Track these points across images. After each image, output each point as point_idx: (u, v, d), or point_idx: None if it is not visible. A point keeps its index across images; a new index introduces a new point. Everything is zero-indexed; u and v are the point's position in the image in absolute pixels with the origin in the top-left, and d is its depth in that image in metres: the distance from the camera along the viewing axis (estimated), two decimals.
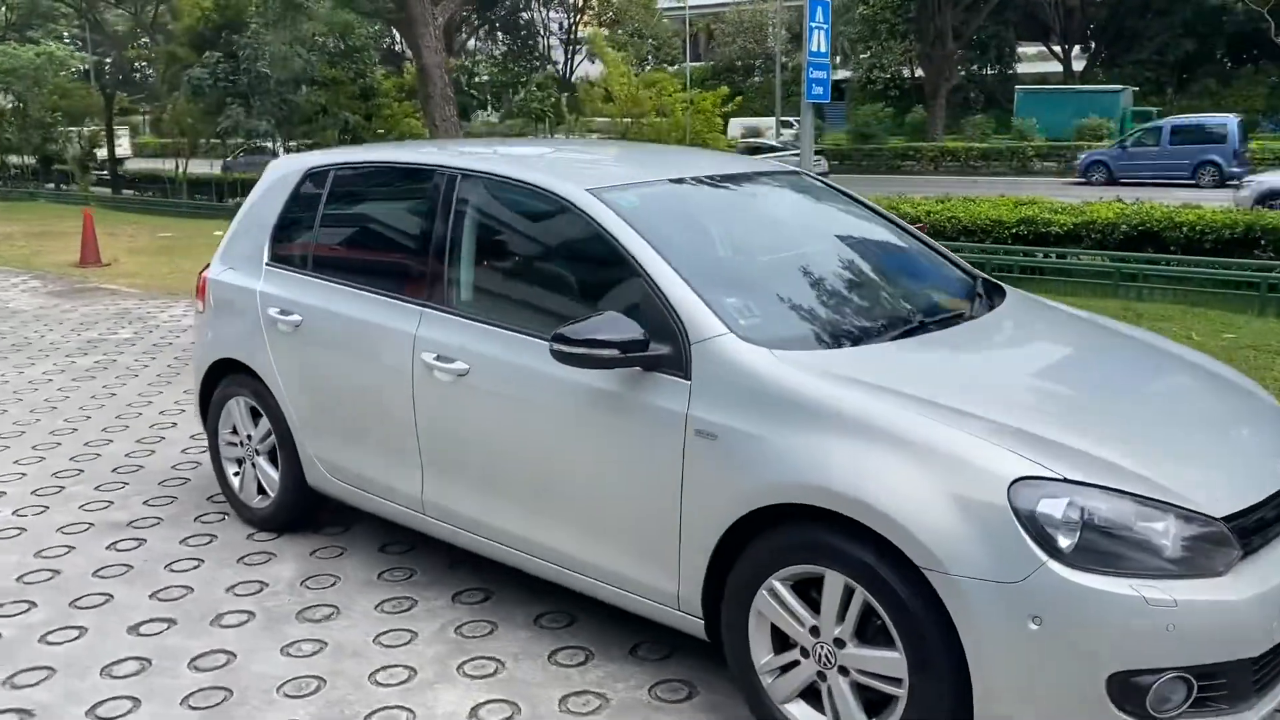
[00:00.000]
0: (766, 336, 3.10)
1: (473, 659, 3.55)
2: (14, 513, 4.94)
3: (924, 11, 39.23)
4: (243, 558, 4.40)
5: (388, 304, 3.94)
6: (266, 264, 4.52)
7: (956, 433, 2.70)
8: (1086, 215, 15.86)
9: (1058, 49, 48.93)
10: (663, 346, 3.12)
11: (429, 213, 3.88)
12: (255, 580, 4.17)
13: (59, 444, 5.95)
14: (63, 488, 5.26)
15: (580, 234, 3.54)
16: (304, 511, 4.58)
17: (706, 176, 3.98)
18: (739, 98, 23.05)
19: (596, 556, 3.36)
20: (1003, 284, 4.01)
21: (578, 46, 58.90)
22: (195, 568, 4.31)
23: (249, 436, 4.63)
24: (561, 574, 3.50)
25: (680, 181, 3.87)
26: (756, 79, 51.45)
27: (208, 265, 4.91)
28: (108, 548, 4.53)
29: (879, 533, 2.67)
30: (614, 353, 3.09)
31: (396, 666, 3.51)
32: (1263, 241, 11.75)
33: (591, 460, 3.32)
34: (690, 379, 3.07)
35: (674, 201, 3.76)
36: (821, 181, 4.36)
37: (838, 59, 56.79)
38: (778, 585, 2.91)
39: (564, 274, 3.71)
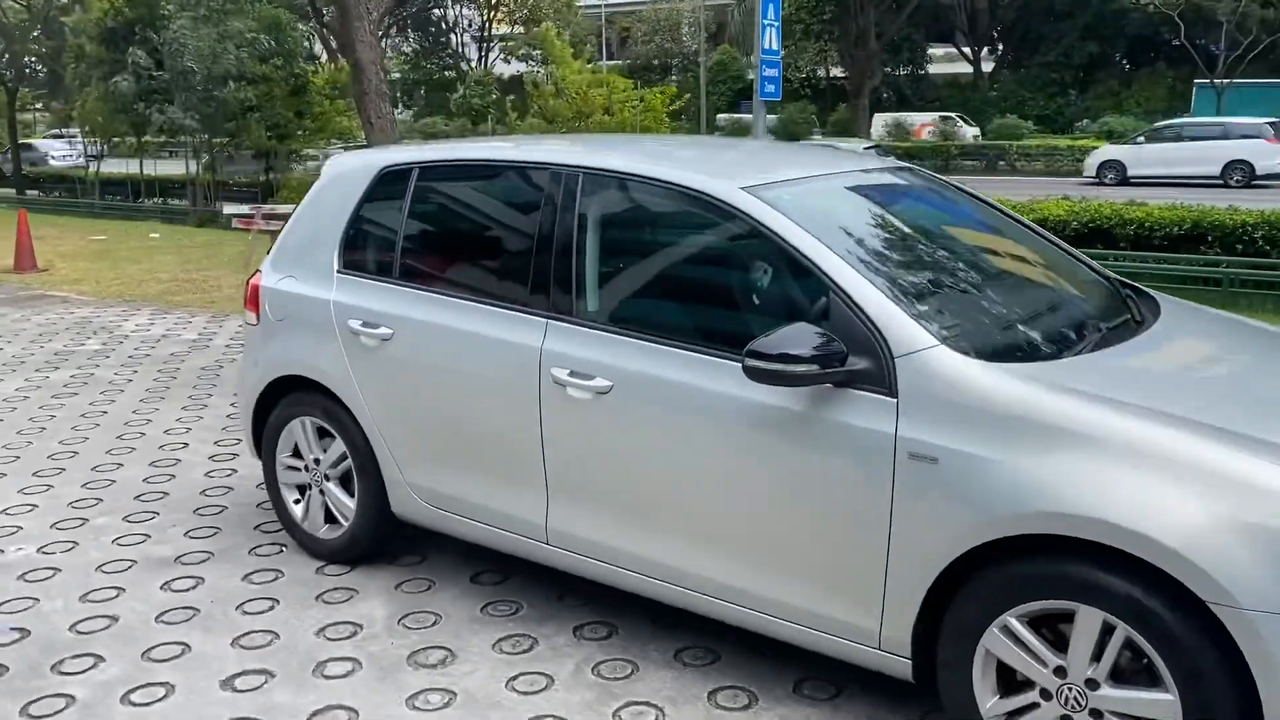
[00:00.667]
0: (976, 347, 2.87)
1: (627, 705, 3.24)
2: (39, 550, 4.44)
3: (846, 12, 39.63)
4: (321, 595, 4.00)
5: (504, 315, 3.59)
6: (338, 272, 4.12)
7: (1233, 452, 2.49)
8: (1039, 212, 16.10)
9: (967, 50, 49.98)
10: (860, 360, 2.86)
11: (549, 215, 3.54)
12: (346, 621, 3.79)
13: (63, 469, 5.42)
14: (85, 519, 4.76)
15: (737, 237, 3.27)
16: (382, 541, 4.20)
17: (843, 174, 3.73)
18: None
19: (776, 591, 3.07)
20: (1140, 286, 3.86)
21: (491, 44, 58.26)
22: (271, 609, 3.90)
23: (316, 461, 4.23)
24: (727, 609, 3.21)
25: (822, 178, 3.60)
26: (674, 77, 51.46)
27: (257, 272, 4.49)
28: (163, 588, 4.08)
29: (1152, 564, 2.45)
30: (812, 368, 2.81)
31: (548, 718, 3.18)
32: (1209, 238, 12.04)
33: (769, 485, 3.03)
34: (896, 396, 2.81)
35: (825, 200, 3.49)
36: (941, 180, 4.14)
37: (750, 58, 57.33)
38: (1014, 622, 2.67)
39: (720, 281, 3.43)
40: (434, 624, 3.76)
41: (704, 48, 47.71)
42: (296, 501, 4.37)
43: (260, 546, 4.45)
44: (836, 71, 50.24)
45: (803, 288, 3.10)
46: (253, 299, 4.41)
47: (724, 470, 3.12)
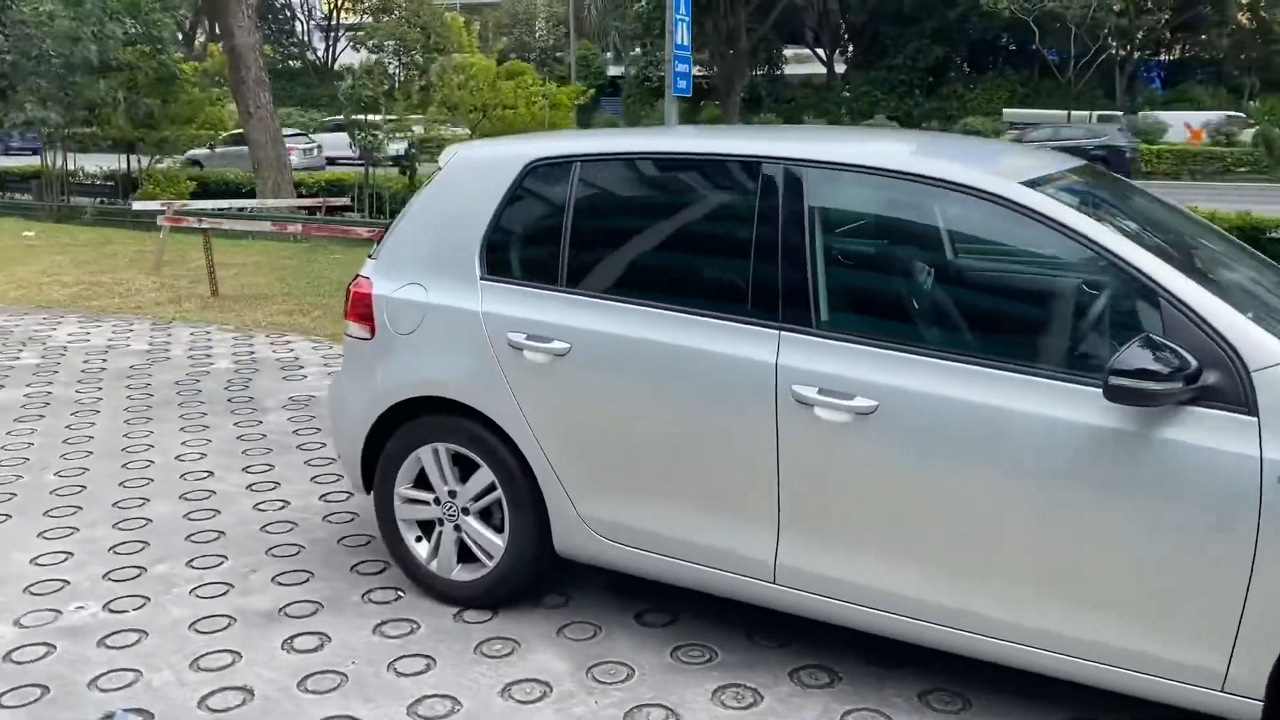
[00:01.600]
0: None
1: None
2: (107, 609, 3.77)
3: (715, 12, 39.86)
4: (479, 648, 3.49)
5: (720, 326, 3.19)
6: (482, 279, 3.62)
7: None
8: None
9: (821, 52, 51.14)
10: (1210, 375, 2.61)
11: (771, 214, 3.16)
12: (529, 679, 3.30)
13: (78, 508, 4.67)
14: (142, 568, 4.08)
15: (1019, 239, 2.97)
16: (533, 583, 3.72)
17: (1068, 170, 3.46)
18: None
19: (1088, 630, 2.79)
20: None
21: (339, 34, 56.28)
22: (430, 668, 3.38)
23: (452, 493, 3.71)
24: (1014, 651, 2.90)
25: (1064, 175, 3.33)
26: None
27: (359, 278, 3.92)
28: (285, 649, 3.50)
29: None
30: (1175, 386, 2.55)
31: None
32: None
33: (1088, 514, 2.74)
34: (1256, 414, 2.57)
35: (1085, 197, 3.22)
36: (1125, 180, 3.94)
37: (609, 55, 57.17)
38: None
39: (1006, 288, 3.12)
40: (630, 677, 3.32)
41: (558, 41, 47.31)
42: (419, 540, 3.84)
43: (373, 592, 3.89)
44: (695, 70, 50.68)
45: (1115, 295, 2.83)
46: (360, 310, 3.85)
47: (1026, 498, 2.81)
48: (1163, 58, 49.46)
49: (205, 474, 5.10)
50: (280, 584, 3.95)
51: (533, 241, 3.68)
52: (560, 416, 3.44)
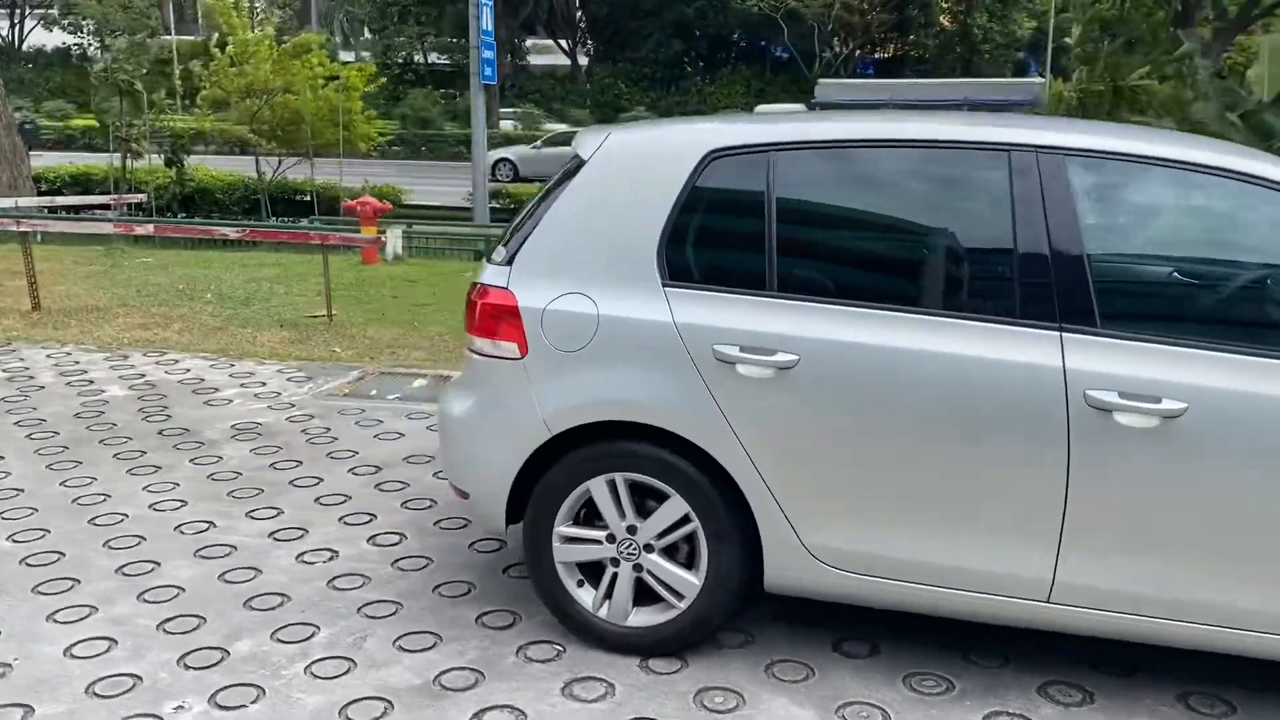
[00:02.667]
0: None
1: None
2: (215, 704, 3.03)
3: None
4: (699, 701, 3.08)
5: (988, 330, 2.94)
6: (666, 285, 3.18)
7: None
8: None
9: (564, 44, 51.25)
10: None
11: (1037, 207, 2.95)
12: None
13: (76, 580, 3.79)
14: (223, 650, 3.33)
15: None
16: (721, 624, 3.33)
17: None
18: None
19: None
20: None
21: (28, 10, 50.79)
22: None
23: (631, 529, 3.26)
24: None
25: None
26: None
27: (483, 288, 3.37)
28: None
29: None
30: None
31: None
32: None
33: None
34: None
35: None
36: None
37: (337, 39, 54.60)
38: None
39: None
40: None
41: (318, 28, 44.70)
42: (580, 585, 3.36)
43: (526, 649, 3.36)
44: (436, 57, 49.46)
45: None
46: (501, 325, 3.30)
47: None
48: (877, 55, 53.02)
49: (204, 524, 4.29)
50: (407, 650, 3.35)
51: (726, 242, 3.29)
52: (786, 436, 3.08)
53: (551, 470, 3.29)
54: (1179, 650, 3.02)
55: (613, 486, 3.25)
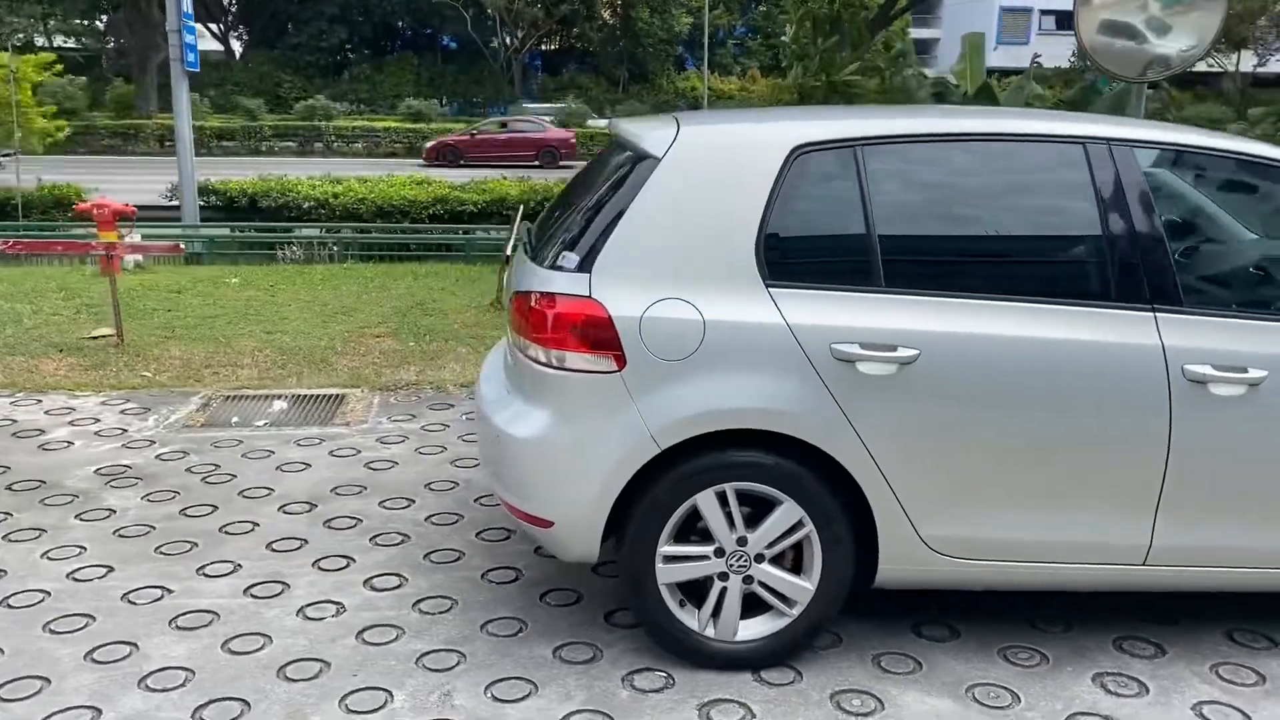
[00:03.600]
0: None
1: None
2: None
3: None
4: (838, 706, 3.02)
5: (1090, 314, 3.10)
6: (768, 285, 3.07)
7: None
8: (495, 194, 17.05)
9: (215, 28, 47.77)
10: None
11: (1119, 195, 3.14)
12: None
13: (129, 651, 3.10)
14: None
15: None
16: (826, 626, 3.28)
17: None
18: None
19: None
20: None
21: None
22: None
23: (741, 541, 3.13)
24: None
25: None
26: None
27: (543, 297, 3.10)
28: None
29: None
30: None
31: None
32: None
33: None
34: None
35: None
36: None
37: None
38: None
39: None
40: (1015, 702, 3.11)
41: None
42: (682, 605, 3.19)
43: (632, 678, 3.14)
44: (63, 41, 44.49)
45: None
46: (587, 336, 3.04)
47: None
48: (544, 48, 53.68)
49: (156, 590, 3.64)
50: (506, 699, 3.03)
51: (825, 239, 3.23)
52: (907, 431, 3.07)
53: (655, 487, 3.09)
54: (1212, 596, 3.33)
55: (723, 498, 3.11)
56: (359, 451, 5.08)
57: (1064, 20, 46.76)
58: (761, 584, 3.17)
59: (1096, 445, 3.11)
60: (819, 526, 3.12)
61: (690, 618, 3.20)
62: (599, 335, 3.05)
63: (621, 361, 3.04)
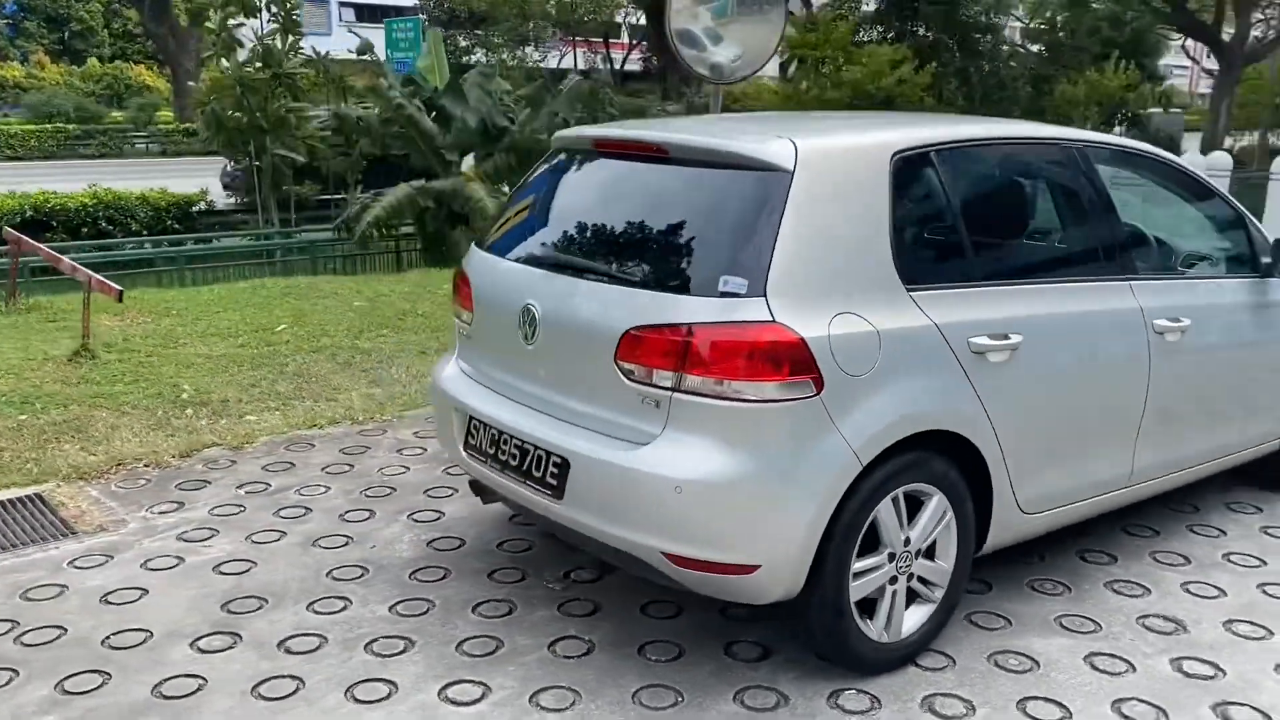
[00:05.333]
0: None
1: None
2: None
3: None
4: (997, 662, 3.27)
5: (1103, 288, 3.70)
6: (908, 289, 3.16)
7: None
8: None
9: None
10: None
11: (1099, 188, 3.80)
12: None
13: None
14: None
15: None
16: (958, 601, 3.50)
17: None
18: None
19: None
20: None
21: None
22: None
23: (906, 540, 3.21)
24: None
25: None
26: None
27: (725, 327, 2.89)
28: None
29: None
30: None
31: None
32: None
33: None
34: None
35: None
36: None
37: None
38: None
39: None
40: (1181, 630, 3.57)
41: None
42: (863, 618, 3.18)
43: (837, 698, 3.07)
44: None
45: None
46: (782, 364, 2.87)
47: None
48: None
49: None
50: None
51: (931, 239, 3.37)
52: (1017, 409, 3.38)
53: (849, 505, 3.03)
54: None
55: (896, 503, 3.16)
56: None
57: (364, 13, 47.96)
58: (921, 578, 3.29)
59: (1115, 394, 3.72)
60: (955, 510, 3.31)
61: (870, 627, 3.20)
62: (795, 360, 2.91)
63: (820, 384, 2.93)
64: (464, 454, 3.63)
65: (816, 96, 19.95)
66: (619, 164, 3.49)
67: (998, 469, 3.36)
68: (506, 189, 13.71)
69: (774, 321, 2.90)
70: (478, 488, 3.81)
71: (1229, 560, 4.07)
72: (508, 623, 3.51)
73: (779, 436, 2.94)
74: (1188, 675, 3.28)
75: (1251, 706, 3.12)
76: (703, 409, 2.93)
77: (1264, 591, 3.82)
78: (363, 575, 3.83)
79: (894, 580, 3.22)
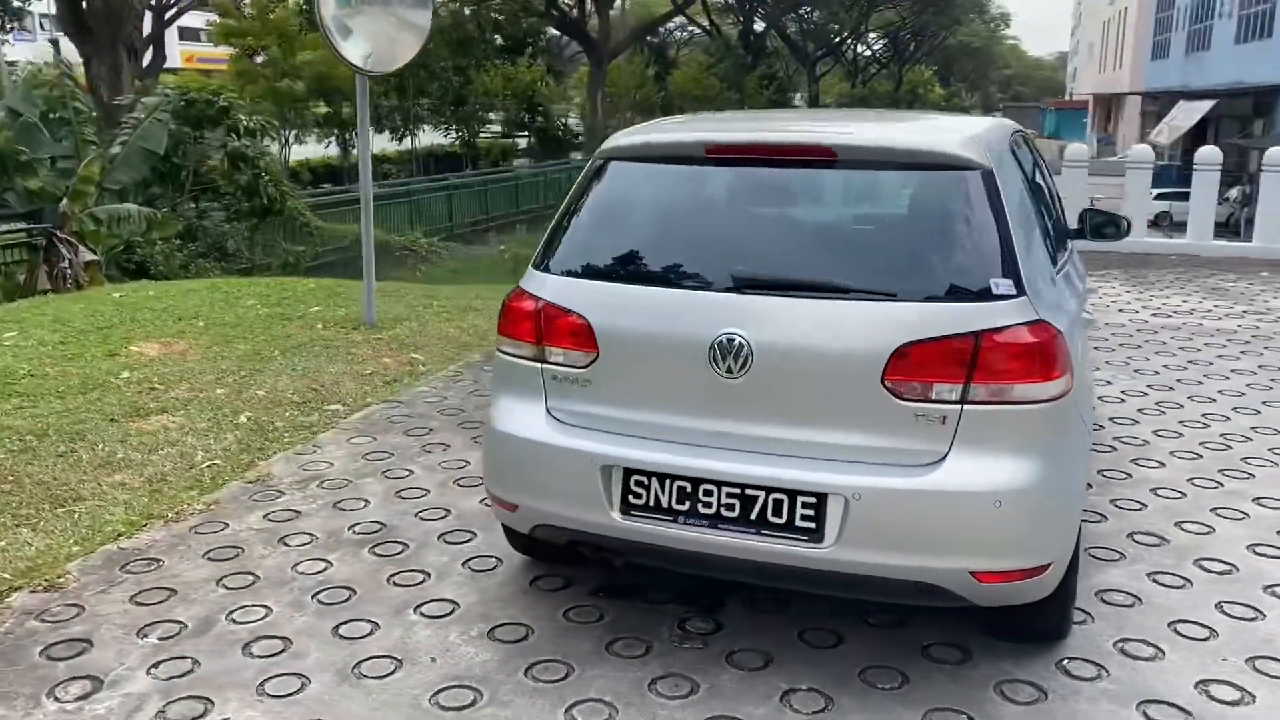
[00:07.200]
0: None
1: None
2: None
3: None
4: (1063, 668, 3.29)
5: None
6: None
7: None
8: None
9: None
10: None
11: None
12: None
13: None
14: None
15: None
16: None
17: None
18: None
19: None
20: None
21: None
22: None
23: None
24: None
25: None
26: None
27: (965, 338, 2.83)
28: None
29: None
30: None
31: None
32: None
33: None
34: None
35: None
36: None
37: None
38: None
39: None
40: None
41: None
42: None
43: (1002, 688, 3.07)
44: None
45: None
46: (1046, 364, 2.87)
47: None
48: None
49: None
50: None
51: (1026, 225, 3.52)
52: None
53: None
54: None
55: None
56: None
57: None
58: None
59: None
60: None
61: None
62: (1062, 355, 2.94)
63: (1072, 379, 2.99)
64: (621, 520, 3.04)
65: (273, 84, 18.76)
66: (767, 171, 3.15)
67: None
68: None
69: (1040, 319, 2.89)
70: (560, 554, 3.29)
71: None
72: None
73: (1063, 433, 2.96)
74: None
75: None
76: (996, 416, 2.84)
77: None
78: None
79: None
